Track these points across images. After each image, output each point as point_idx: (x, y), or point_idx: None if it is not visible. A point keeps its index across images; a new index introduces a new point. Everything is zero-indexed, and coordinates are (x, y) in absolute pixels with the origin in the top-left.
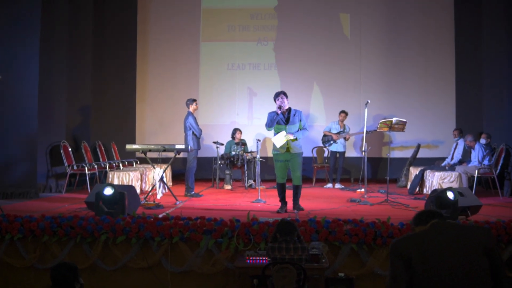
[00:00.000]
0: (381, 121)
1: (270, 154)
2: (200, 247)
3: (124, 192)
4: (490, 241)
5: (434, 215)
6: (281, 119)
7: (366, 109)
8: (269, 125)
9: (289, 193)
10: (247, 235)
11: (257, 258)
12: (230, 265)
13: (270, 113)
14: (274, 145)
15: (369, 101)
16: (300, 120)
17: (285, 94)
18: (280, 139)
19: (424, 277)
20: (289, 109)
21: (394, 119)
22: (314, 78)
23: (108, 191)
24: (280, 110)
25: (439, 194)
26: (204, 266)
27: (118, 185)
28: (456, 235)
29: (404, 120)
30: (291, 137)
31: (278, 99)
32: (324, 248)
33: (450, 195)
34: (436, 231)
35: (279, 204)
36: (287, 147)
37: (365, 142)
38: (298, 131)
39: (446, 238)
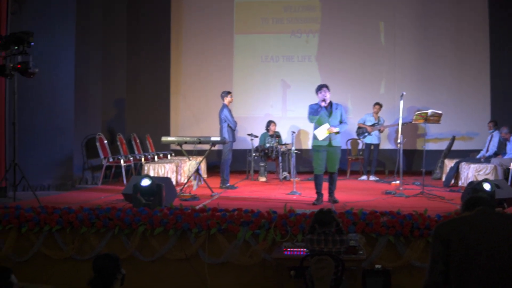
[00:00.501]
0: (416, 113)
1: (304, 146)
2: (237, 238)
3: (162, 183)
4: None
5: (482, 202)
6: (324, 113)
7: (401, 101)
8: (311, 118)
9: (324, 185)
10: (284, 227)
11: (295, 249)
12: (267, 257)
13: (311, 105)
14: (315, 137)
15: (404, 93)
16: (341, 115)
17: (327, 87)
18: (323, 131)
19: (462, 262)
20: (331, 103)
21: (429, 111)
22: (348, 70)
23: (146, 182)
24: (324, 103)
25: (475, 186)
26: (242, 257)
27: (155, 177)
28: (499, 224)
29: (440, 112)
30: (334, 130)
31: (321, 92)
32: (361, 240)
33: (487, 186)
34: (480, 217)
35: (315, 196)
36: (329, 139)
37: (401, 134)
38: (339, 124)
39: (488, 226)
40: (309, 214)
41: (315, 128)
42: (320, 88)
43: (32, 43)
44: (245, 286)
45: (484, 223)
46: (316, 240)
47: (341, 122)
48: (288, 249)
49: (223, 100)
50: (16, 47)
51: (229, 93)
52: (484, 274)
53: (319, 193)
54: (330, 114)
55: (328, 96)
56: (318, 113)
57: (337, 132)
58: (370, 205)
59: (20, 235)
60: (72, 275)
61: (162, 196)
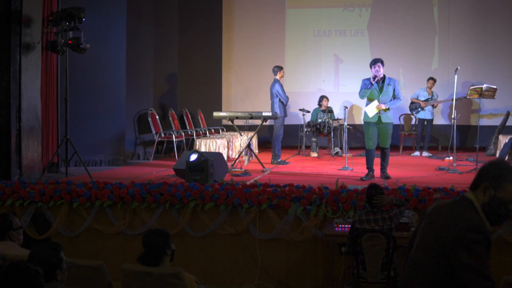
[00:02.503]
0: (471, 87)
1: (357, 122)
2: (288, 214)
3: (209, 159)
4: (450, 243)
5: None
6: (375, 88)
7: (455, 76)
8: (362, 94)
9: (376, 161)
10: (336, 203)
11: (346, 226)
12: (318, 233)
13: (364, 80)
14: (365, 114)
15: (458, 68)
16: (394, 90)
17: (382, 62)
18: (372, 109)
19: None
20: (384, 78)
21: (484, 86)
22: (402, 45)
23: (193, 156)
24: (374, 80)
25: None
26: (292, 233)
27: (205, 152)
28: (438, 215)
29: (495, 87)
30: (383, 107)
31: (375, 67)
32: (414, 217)
33: None
34: (445, 203)
35: (366, 171)
36: (378, 116)
37: (455, 109)
38: (391, 100)
39: (435, 216)
40: (361, 190)
41: (367, 104)
42: (374, 63)
43: (84, 19)
44: (295, 262)
45: (431, 215)
46: (366, 220)
47: (394, 98)
48: (340, 225)
49: (275, 75)
50: (67, 23)
51: (281, 68)
52: (404, 273)
53: (369, 168)
54: (381, 90)
55: (382, 71)
56: (368, 91)
57: (387, 109)
58: (423, 181)
59: (72, 210)
60: (123, 250)
61: (209, 172)
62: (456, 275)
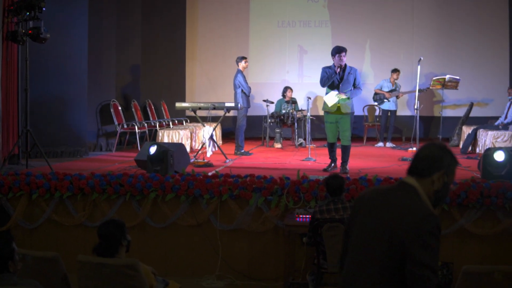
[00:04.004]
0: (434, 78)
1: (321, 113)
2: (249, 205)
3: (169, 150)
4: (403, 232)
5: (409, 171)
6: (336, 77)
7: (418, 67)
8: (324, 83)
9: (339, 152)
10: (297, 193)
11: (307, 216)
12: (279, 223)
13: (324, 69)
14: (324, 103)
15: (421, 58)
16: (355, 79)
17: (345, 51)
18: (331, 98)
19: (348, 243)
20: (345, 67)
21: (447, 77)
22: (366, 36)
23: (152, 149)
24: (338, 68)
25: (488, 153)
26: (254, 224)
27: (167, 143)
28: (384, 205)
29: (458, 77)
30: (343, 96)
31: (339, 57)
32: None
33: (499, 156)
34: (386, 192)
35: (329, 162)
36: (338, 106)
37: (418, 100)
38: (351, 89)
39: (376, 203)
40: (323, 180)
41: (326, 93)
42: (339, 52)
43: (44, 8)
44: (256, 253)
45: (372, 203)
46: (326, 210)
47: (354, 87)
48: (301, 216)
49: (238, 65)
50: (27, 13)
51: (243, 58)
52: (352, 261)
53: (332, 159)
54: (341, 79)
55: (344, 61)
56: (330, 80)
57: (348, 98)
58: (386, 172)
59: (31, 201)
60: (83, 241)
61: (169, 163)
62: (407, 270)
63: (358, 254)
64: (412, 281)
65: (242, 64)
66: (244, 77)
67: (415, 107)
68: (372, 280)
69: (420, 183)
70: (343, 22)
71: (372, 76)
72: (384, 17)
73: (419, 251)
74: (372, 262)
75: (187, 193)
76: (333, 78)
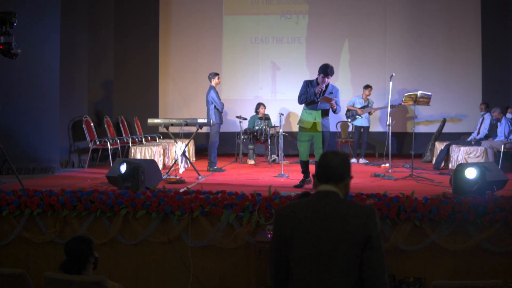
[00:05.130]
0: (406, 94)
1: (294, 129)
2: (221, 221)
3: (140, 166)
4: (365, 228)
5: (326, 180)
6: (315, 98)
7: (391, 83)
8: (301, 101)
9: (312, 168)
10: (269, 209)
11: None
12: (251, 240)
13: (306, 83)
14: (300, 119)
15: (393, 74)
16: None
17: (332, 73)
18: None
19: (291, 255)
20: (327, 85)
21: (419, 93)
22: (338, 52)
23: (123, 168)
24: (319, 94)
25: (459, 169)
26: (225, 240)
27: (138, 160)
28: (331, 215)
29: (429, 93)
30: (332, 100)
31: (324, 78)
32: None
33: (471, 173)
34: (314, 204)
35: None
36: (313, 123)
37: (390, 116)
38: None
39: (319, 216)
40: (294, 196)
41: (304, 109)
42: (325, 74)
43: (15, 24)
44: (228, 270)
45: (316, 212)
46: None
47: None
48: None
49: (211, 82)
50: None
51: (216, 74)
52: (311, 276)
53: (305, 175)
54: (321, 95)
55: (327, 82)
56: (310, 99)
57: (332, 102)
58: (358, 187)
59: (1, 218)
60: (53, 259)
61: (141, 179)
62: (367, 256)
63: (319, 266)
64: (372, 264)
65: (215, 80)
66: (217, 93)
67: (387, 123)
68: (347, 280)
69: (338, 188)
70: (316, 39)
71: (344, 92)
72: (356, 33)
73: (376, 238)
74: (341, 265)
75: (158, 209)
76: (312, 99)
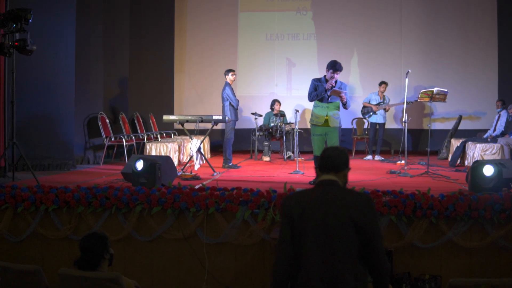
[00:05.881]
0: (422, 91)
1: (309, 126)
2: (236, 218)
3: (156, 162)
4: (361, 214)
5: (327, 170)
6: (325, 95)
7: (406, 79)
8: (312, 98)
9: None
10: None
11: None
12: (266, 237)
13: (313, 81)
14: (312, 116)
15: (409, 71)
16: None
17: (341, 69)
18: (322, 111)
19: (298, 240)
20: (335, 82)
21: (435, 89)
22: (354, 49)
23: (140, 165)
24: (327, 90)
25: (476, 166)
26: (240, 237)
27: (154, 156)
28: (333, 201)
29: (446, 90)
30: (341, 93)
31: (333, 74)
32: None
33: (488, 171)
34: (317, 191)
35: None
36: (325, 119)
37: (406, 113)
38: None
39: (322, 202)
40: None
41: (314, 106)
42: (335, 70)
43: (30, 20)
44: (243, 266)
45: (318, 199)
46: None
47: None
48: None
49: (226, 78)
50: (14, 25)
51: (231, 71)
52: (312, 256)
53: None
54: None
55: (336, 78)
56: (321, 95)
57: (337, 108)
58: (374, 185)
59: (16, 214)
60: (68, 255)
61: (157, 175)
62: (366, 240)
63: (323, 247)
64: (372, 245)
65: (229, 77)
66: (232, 90)
67: (403, 120)
68: (349, 263)
69: (338, 177)
70: (331, 35)
71: (360, 89)
72: (372, 30)
73: (373, 222)
74: (342, 246)
75: (173, 206)
76: (322, 95)
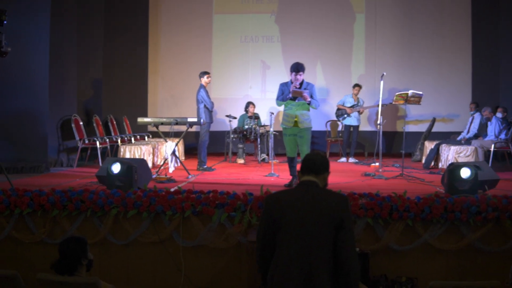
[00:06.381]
0: (397, 93)
1: None
2: (212, 221)
3: (132, 165)
4: (338, 212)
5: (308, 172)
6: (289, 96)
7: (381, 82)
8: (280, 100)
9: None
10: (260, 209)
11: None
12: (243, 240)
13: (281, 85)
14: (283, 119)
15: (384, 73)
16: (312, 95)
17: (304, 70)
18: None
19: (278, 237)
20: (301, 82)
21: (410, 92)
22: (328, 51)
23: (116, 168)
24: (292, 88)
25: (453, 168)
26: (217, 240)
27: (129, 159)
28: (311, 200)
29: (420, 93)
30: (304, 93)
31: (296, 75)
32: None
33: (465, 172)
34: (298, 191)
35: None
36: (295, 121)
37: (380, 115)
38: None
39: (302, 201)
40: None
41: (284, 109)
42: (297, 71)
43: (5, 22)
44: (220, 270)
45: (299, 198)
46: None
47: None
48: None
49: (201, 80)
50: None
51: (206, 73)
52: (291, 253)
53: (293, 175)
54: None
55: (300, 80)
56: (286, 98)
57: (307, 107)
58: (349, 187)
59: None
60: (43, 259)
61: (133, 178)
62: (341, 237)
63: (301, 242)
64: (344, 242)
65: (204, 79)
66: (207, 92)
67: (378, 122)
68: (324, 258)
69: (318, 179)
70: (305, 37)
71: (335, 91)
72: (346, 31)
73: (348, 221)
74: (318, 242)
75: (149, 209)
76: (288, 98)
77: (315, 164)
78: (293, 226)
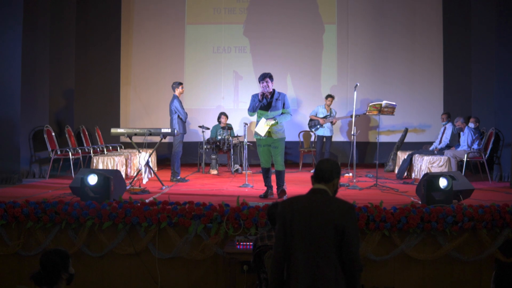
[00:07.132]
0: (370, 104)
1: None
2: (188, 232)
3: (109, 177)
4: (342, 219)
5: (318, 180)
6: (263, 104)
7: (355, 93)
8: (251, 111)
9: (274, 178)
10: (237, 220)
11: (247, 243)
12: (219, 251)
13: (253, 96)
14: (256, 129)
15: (358, 84)
16: (284, 104)
17: (270, 77)
18: (262, 127)
19: (288, 241)
20: (273, 93)
21: (383, 102)
22: (300, 62)
23: (92, 180)
24: (263, 97)
25: (430, 178)
26: (193, 252)
27: (103, 170)
28: (319, 207)
29: (394, 103)
30: (272, 121)
31: (263, 83)
32: None
33: (443, 182)
34: (307, 198)
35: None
36: (268, 131)
37: (354, 126)
38: (280, 115)
39: (310, 207)
40: (262, 207)
41: (257, 122)
42: (262, 78)
43: None
44: (196, 281)
45: (307, 204)
46: (267, 236)
47: (283, 113)
48: (241, 243)
49: (174, 91)
50: None
51: (180, 84)
52: (297, 256)
53: (267, 186)
54: (269, 105)
55: (271, 86)
56: (256, 108)
57: (276, 123)
58: None
59: None
60: (17, 271)
61: (110, 190)
62: (345, 241)
63: (310, 247)
64: (350, 246)
65: (178, 90)
66: (180, 102)
67: (352, 133)
68: (330, 261)
69: (327, 187)
70: (275, 48)
71: (306, 102)
72: (318, 43)
73: (352, 228)
74: (325, 248)
75: (124, 221)
76: (259, 106)
77: (323, 172)
78: (301, 231)
